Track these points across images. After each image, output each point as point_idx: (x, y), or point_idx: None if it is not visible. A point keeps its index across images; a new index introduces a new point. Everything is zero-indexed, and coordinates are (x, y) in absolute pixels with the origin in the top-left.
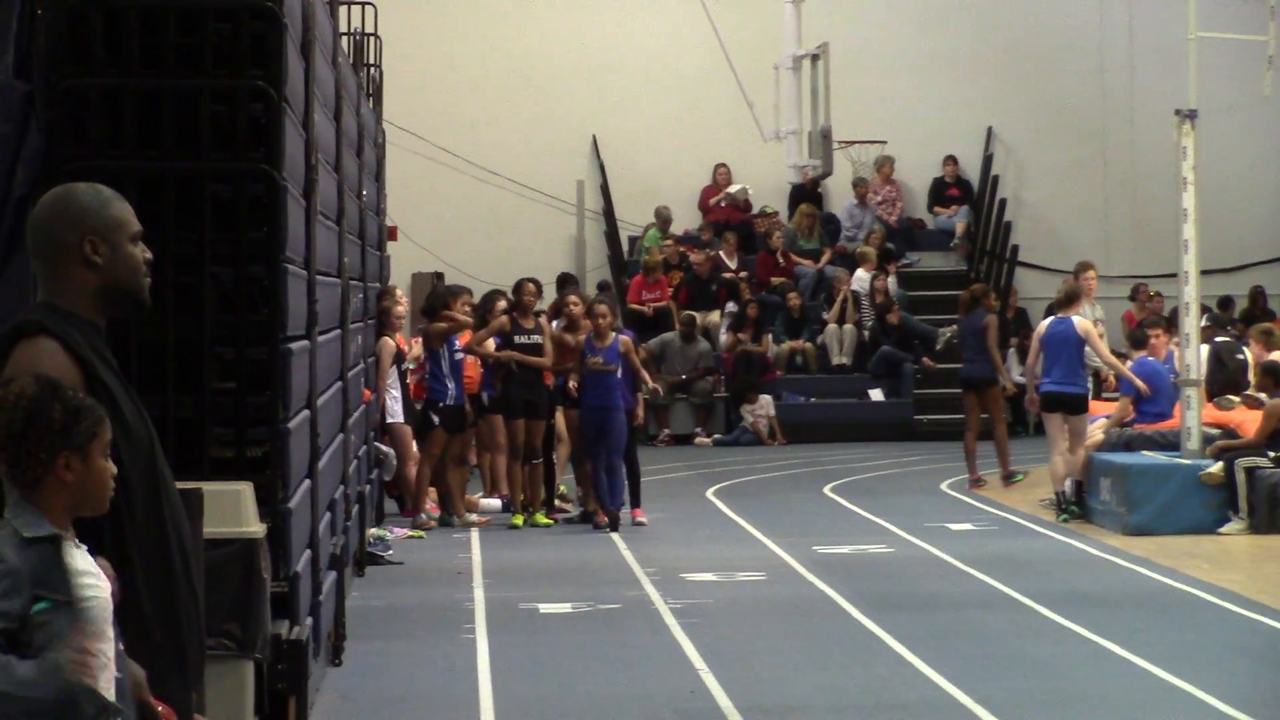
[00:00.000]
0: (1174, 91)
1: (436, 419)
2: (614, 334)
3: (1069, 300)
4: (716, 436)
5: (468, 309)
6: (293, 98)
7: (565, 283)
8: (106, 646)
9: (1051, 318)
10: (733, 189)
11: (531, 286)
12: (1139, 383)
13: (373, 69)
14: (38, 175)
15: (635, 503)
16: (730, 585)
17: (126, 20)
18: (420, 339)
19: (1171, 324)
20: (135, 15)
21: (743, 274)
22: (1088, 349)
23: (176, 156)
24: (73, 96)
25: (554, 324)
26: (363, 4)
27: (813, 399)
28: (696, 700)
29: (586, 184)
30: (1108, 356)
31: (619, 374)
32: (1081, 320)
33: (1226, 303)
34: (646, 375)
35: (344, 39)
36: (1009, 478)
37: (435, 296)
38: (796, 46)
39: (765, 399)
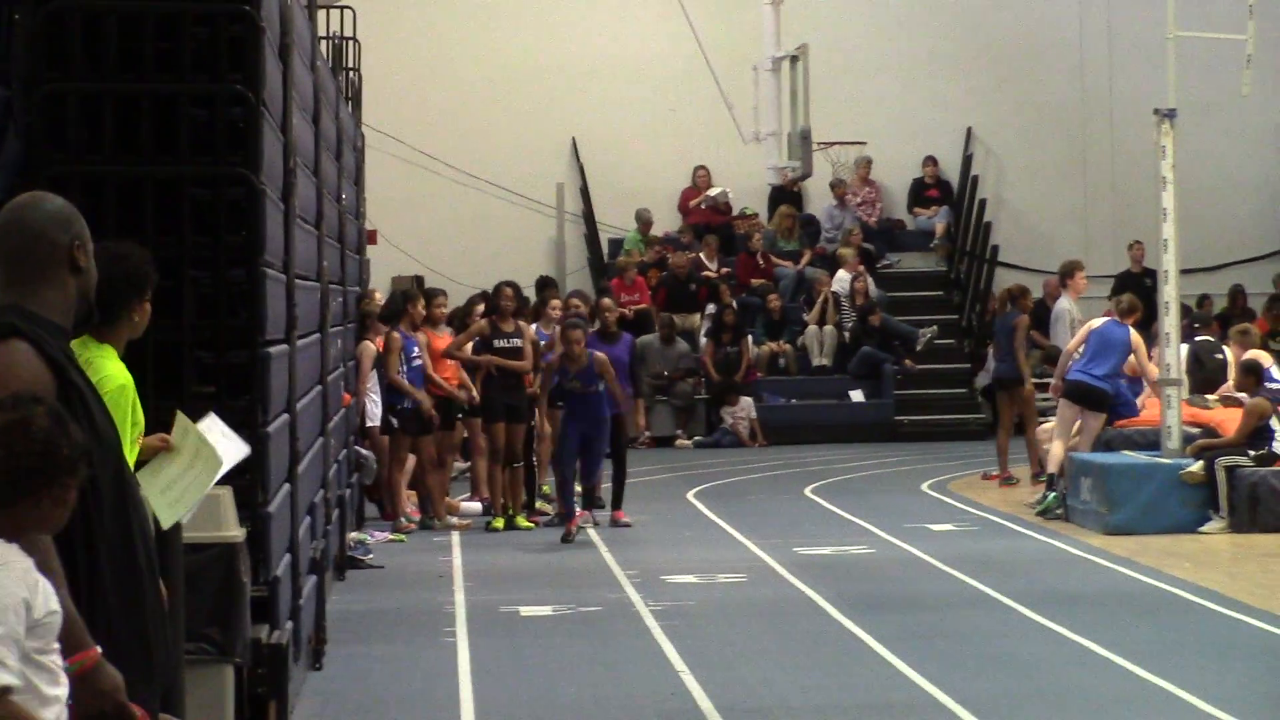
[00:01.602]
0: (1153, 91)
1: (395, 422)
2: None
3: (1131, 310)
4: (697, 439)
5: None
6: (271, 102)
7: (545, 286)
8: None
9: (1109, 318)
10: (713, 191)
11: (509, 291)
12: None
13: (352, 73)
14: (15, 181)
15: (617, 504)
16: (711, 587)
17: (105, 25)
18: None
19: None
20: (114, 20)
21: (724, 271)
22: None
23: (155, 161)
24: (51, 101)
25: (533, 326)
26: (341, 8)
27: (793, 400)
28: (676, 701)
29: (566, 187)
30: (1150, 371)
31: (601, 389)
32: (1137, 334)
33: (1202, 301)
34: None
35: (323, 43)
36: (1038, 475)
37: (394, 301)
38: (776, 48)
39: (746, 401)
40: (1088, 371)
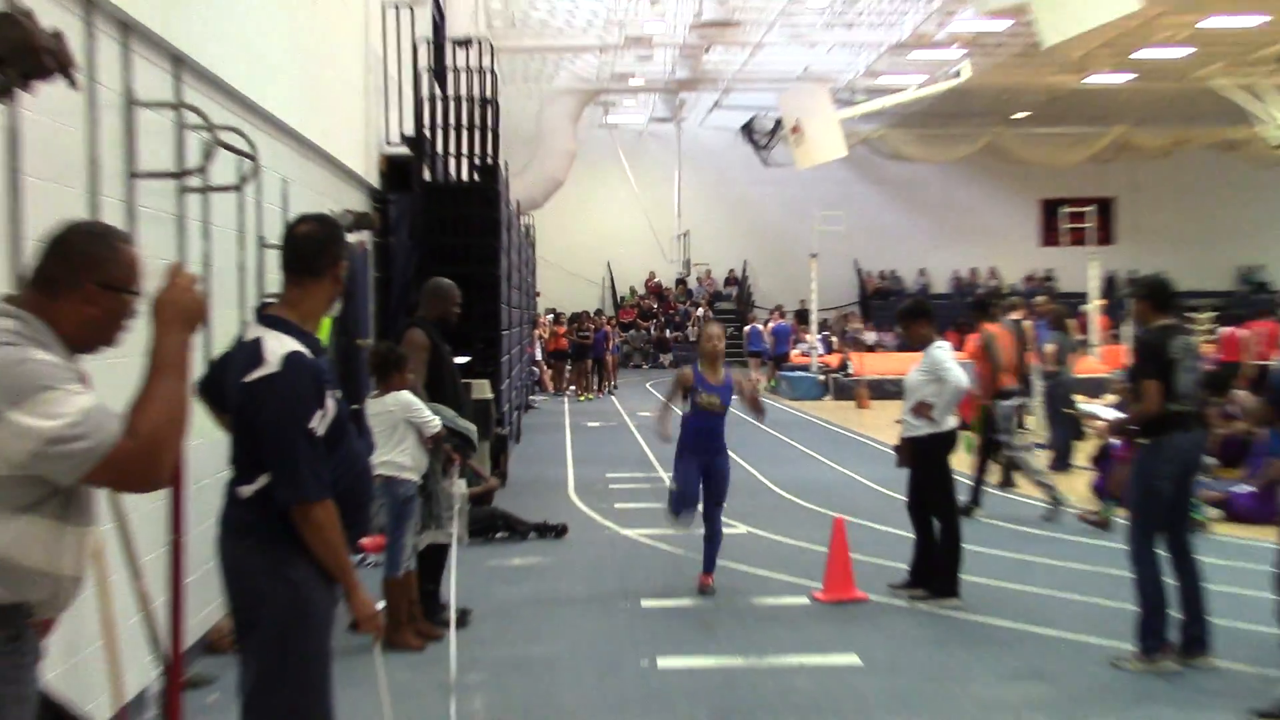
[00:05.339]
0: (805, 240)
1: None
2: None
3: (782, 315)
4: (648, 365)
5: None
6: (503, 246)
7: (598, 312)
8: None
9: (758, 323)
10: (655, 279)
11: (591, 318)
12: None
13: (531, 237)
14: (414, 275)
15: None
16: (655, 418)
17: (446, 219)
18: (547, 332)
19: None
20: (449, 217)
21: (659, 308)
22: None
23: (464, 265)
24: (430, 248)
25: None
26: (529, 213)
27: (685, 353)
28: (645, 468)
29: (604, 278)
30: (767, 332)
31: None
32: (785, 326)
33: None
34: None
35: (524, 225)
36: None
37: (563, 319)
38: (678, 228)
39: (667, 355)
40: (775, 348)
